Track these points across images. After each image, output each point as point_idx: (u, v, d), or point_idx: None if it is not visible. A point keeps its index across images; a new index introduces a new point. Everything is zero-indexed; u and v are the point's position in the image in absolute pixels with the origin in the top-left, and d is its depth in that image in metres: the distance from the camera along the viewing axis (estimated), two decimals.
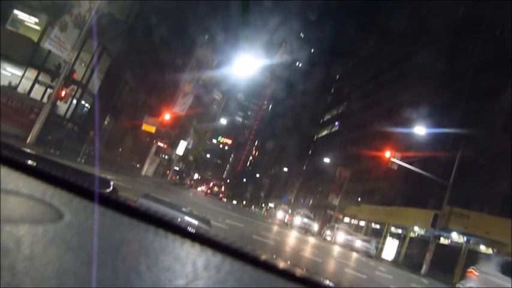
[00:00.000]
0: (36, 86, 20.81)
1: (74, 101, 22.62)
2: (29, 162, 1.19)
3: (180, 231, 1.01)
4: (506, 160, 23.23)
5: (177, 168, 48.96)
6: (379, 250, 33.23)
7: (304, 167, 76.42)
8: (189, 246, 0.96)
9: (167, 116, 28.80)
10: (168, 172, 44.28)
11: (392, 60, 48.66)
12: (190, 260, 0.89)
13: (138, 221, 1.01)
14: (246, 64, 27.04)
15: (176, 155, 42.26)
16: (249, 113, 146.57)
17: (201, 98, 41.83)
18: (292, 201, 66.42)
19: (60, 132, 19.65)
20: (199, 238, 1.00)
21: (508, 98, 24.56)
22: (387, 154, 26.10)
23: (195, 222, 2.28)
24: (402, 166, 26.42)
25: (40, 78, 20.66)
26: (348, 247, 27.04)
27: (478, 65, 30.00)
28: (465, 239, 26.02)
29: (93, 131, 20.61)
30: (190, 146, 45.80)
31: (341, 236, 28.67)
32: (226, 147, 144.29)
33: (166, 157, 43.47)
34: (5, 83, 20.50)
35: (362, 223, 41.69)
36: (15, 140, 14.09)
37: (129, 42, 23.96)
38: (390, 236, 35.68)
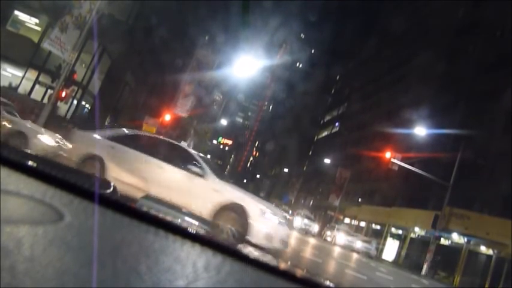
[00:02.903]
0: (37, 86, 20.84)
1: (75, 102, 22.65)
2: (30, 163, 1.20)
3: (181, 232, 1.01)
4: (507, 161, 23.22)
5: None
6: (380, 251, 33.21)
7: (305, 168, 76.43)
8: (190, 247, 0.96)
9: (168, 117, 28.82)
10: None
11: (392, 61, 48.65)
12: (191, 260, 0.89)
13: (139, 221, 1.01)
14: (246, 65, 27.06)
15: None
16: (249, 113, 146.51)
17: (201, 99, 41.80)
18: (292, 201, 66.43)
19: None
20: (199, 239, 1.00)
21: (508, 99, 24.55)
22: (387, 155, 26.11)
23: (196, 223, 2.28)
24: (402, 167, 26.42)
25: (40, 79, 20.70)
26: (348, 248, 27.02)
27: (478, 66, 29.99)
28: (465, 239, 26.00)
29: None
30: (190, 147, 45.75)
31: (341, 237, 28.64)
32: (226, 148, 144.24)
33: None
34: (5, 83, 20.52)
35: (362, 224, 41.67)
36: None
37: (129, 43, 23.98)
38: (391, 236, 35.66)
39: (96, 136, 7.85)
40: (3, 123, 10.40)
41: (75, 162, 7.09)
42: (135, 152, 7.41)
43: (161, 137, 8.59)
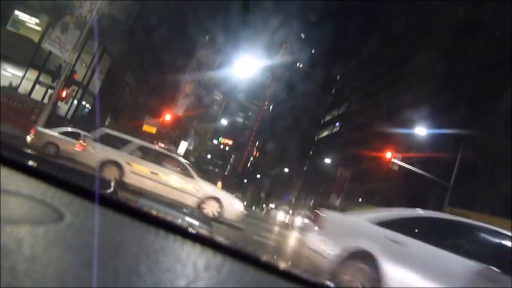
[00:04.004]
0: (37, 86, 20.85)
1: (75, 102, 22.66)
2: (30, 163, 1.19)
3: (181, 232, 1.01)
4: (507, 161, 23.20)
5: None
6: None
7: (305, 168, 76.44)
8: (190, 247, 0.96)
9: (168, 117, 28.80)
10: None
11: (393, 61, 48.67)
12: (191, 260, 0.89)
13: (139, 221, 1.01)
14: (246, 65, 27.09)
15: None
16: (249, 113, 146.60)
17: (201, 99, 41.83)
18: (293, 201, 66.45)
19: None
20: (200, 239, 1.00)
21: (508, 99, 24.54)
22: (388, 155, 26.08)
23: (196, 222, 2.27)
24: (403, 167, 26.39)
25: (41, 79, 20.70)
26: None
27: (478, 66, 29.98)
28: None
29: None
30: (191, 147, 45.77)
31: None
32: (227, 148, 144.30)
33: None
34: (5, 83, 20.53)
35: None
36: (15, 140, 14.09)
37: (129, 43, 23.98)
38: None
39: (363, 222, 5.25)
40: (198, 187, 10.73)
41: (329, 261, 4.94)
42: (430, 248, 4.60)
43: (461, 218, 5.41)
